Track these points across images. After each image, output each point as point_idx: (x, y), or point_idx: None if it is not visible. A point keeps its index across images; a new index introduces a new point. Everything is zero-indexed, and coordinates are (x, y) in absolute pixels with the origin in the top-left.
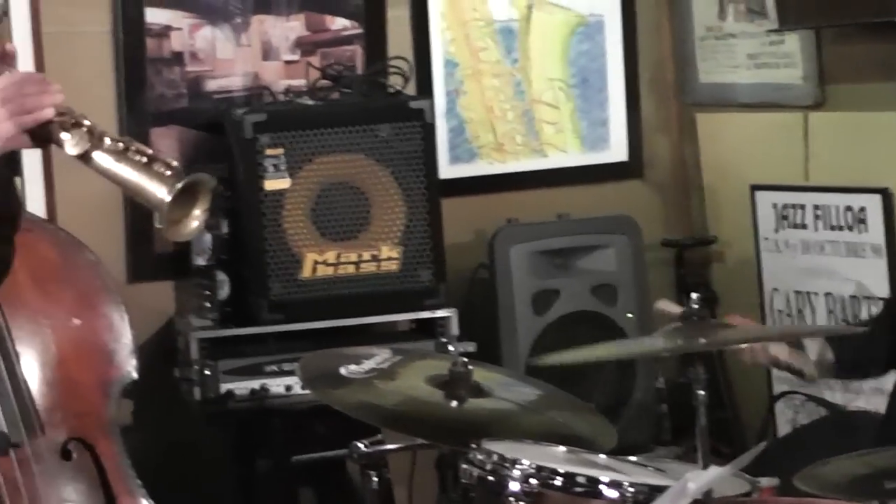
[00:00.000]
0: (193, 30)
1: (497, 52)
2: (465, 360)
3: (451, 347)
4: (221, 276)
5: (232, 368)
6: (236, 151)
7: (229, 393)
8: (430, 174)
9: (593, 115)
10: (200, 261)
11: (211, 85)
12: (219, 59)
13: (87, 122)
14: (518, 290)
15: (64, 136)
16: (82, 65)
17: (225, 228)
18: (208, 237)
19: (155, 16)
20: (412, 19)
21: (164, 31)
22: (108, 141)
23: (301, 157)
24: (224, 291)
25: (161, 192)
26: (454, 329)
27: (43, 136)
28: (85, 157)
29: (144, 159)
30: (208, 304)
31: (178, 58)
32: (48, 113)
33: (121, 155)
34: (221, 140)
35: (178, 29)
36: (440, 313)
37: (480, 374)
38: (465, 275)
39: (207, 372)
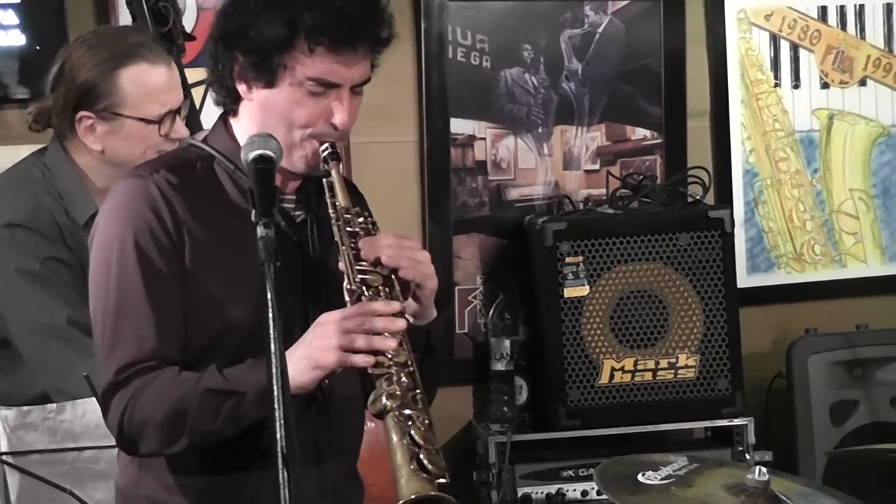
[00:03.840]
0: (496, 139)
1: (797, 163)
2: (763, 469)
3: (747, 456)
4: (520, 382)
5: (529, 473)
6: (536, 259)
7: (526, 497)
8: (728, 283)
9: (894, 225)
10: (499, 366)
11: (512, 193)
12: (520, 168)
13: (402, 380)
14: (816, 401)
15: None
16: (389, 174)
17: (524, 335)
18: (507, 343)
19: (459, 126)
20: (712, 129)
21: (468, 141)
22: (399, 412)
23: (600, 265)
24: (522, 397)
25: (403, 488)
26: (751, 438)
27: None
28: (377, 413)
29: (415, 447)
30: (506, 409)
31: (481, 167)
32: (370, 360)
33: (401, 431)
34: (522, 247)
35: (482, 139)
36: (737, 422)
37: (778, 484)
38: (763, 384)
39: (505, 476)
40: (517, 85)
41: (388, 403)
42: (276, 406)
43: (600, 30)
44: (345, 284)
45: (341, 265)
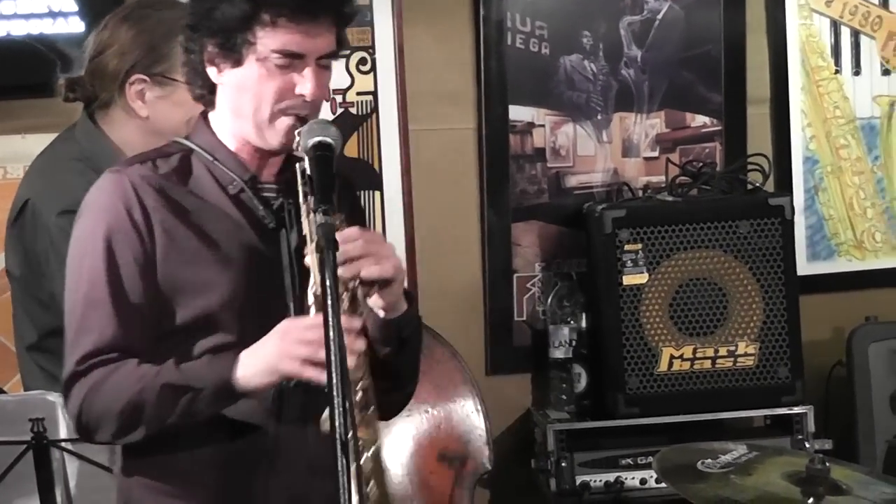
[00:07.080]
0: (555, 127)
1: (858, 150)
2: (823, 457)
3: (807, 444)
4: (578, 369)
5: (587, 461)
6: (596, 246)
7: (584, 485)
8: (788, 271)
9: None
10: (558, 354)
11: (571, 181)
12: (579, 155)
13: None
14: (876, 389)
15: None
16: (447, 161)
17: (583, 322)
18: (566, 330)
19: (518, 113)
20: (772, 116)
21: (527, 128)
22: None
23: (660, 253)
24: (581, 384)
25: None
26: (810, 426)
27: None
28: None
29: None
30: (565, 397)
31: (539, 154)
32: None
33: None
34: (581, 235)
35: (541, 126)
36: (797, 410)
37: (838, 472)
38: (822, 372)
39: (563, 464)
40: (576, 72)
41: None
42: (334, 394)
43: (660, 16)
44: (310, 289)
45: (307, 260)
